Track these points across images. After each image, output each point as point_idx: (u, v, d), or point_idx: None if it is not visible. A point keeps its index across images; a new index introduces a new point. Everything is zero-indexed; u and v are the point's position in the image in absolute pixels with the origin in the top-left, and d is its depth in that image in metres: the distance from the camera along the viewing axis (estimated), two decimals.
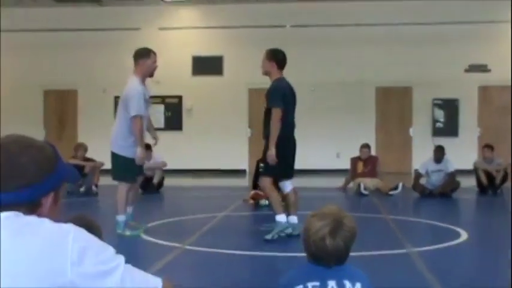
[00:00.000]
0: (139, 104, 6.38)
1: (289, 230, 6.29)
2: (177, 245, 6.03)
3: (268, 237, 6.23)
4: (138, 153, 6.44)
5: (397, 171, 15.81)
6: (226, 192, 11.31)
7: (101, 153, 14.13)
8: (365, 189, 10.81)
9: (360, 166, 11.42)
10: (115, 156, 6.55)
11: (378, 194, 10.82)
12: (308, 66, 16.40)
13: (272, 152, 6.29)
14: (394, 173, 15.37)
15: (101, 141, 16.77)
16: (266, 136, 6.44)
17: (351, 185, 11.46)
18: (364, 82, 16.39)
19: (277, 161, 6.32)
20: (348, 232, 2.17)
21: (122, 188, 6.61)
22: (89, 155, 11.34)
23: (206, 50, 16.75)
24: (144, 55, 6.58)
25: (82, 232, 1.56)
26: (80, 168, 10.83)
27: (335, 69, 16.40)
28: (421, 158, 12.90)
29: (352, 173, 11.53)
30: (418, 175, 10.89)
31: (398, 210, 9.72)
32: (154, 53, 6.62)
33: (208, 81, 16.77)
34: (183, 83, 16.77)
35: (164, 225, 7.20)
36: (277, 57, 6.55)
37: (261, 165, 6.47)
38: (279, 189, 8.06)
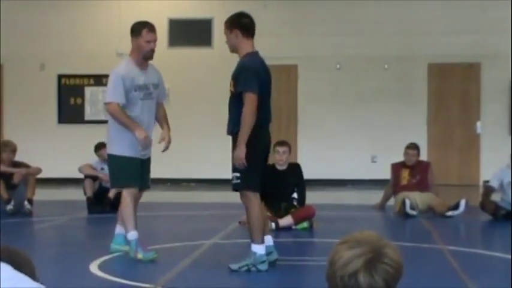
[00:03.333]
0: (116, 89, 7.09)
1: (263, 267, 6.56)
2: (147, 285, 6.04)
3: (235, 267, 6.55)
4: (137, 135, 7.02)
5: (459, 183, 15.75)
6: (217, 211, 11.31)
7: (36, 156, 14.16)
8: (412, 207, 10.78)
9: (405, 175, 11.40)
10: (111, 158, 7.35)
11: (430, 215, 10.78)
12: (330, 33, 16.37)
13: (241, 151, 6.44)
14: (454, 185, 15.30)
15: (37, 139, 16.97)
16: (232, 132, 6.65)
17: (392, 201, 11.44)
18: (412, 56, 16.36)
19: (253, 166, 6.52)
20: (391, 267, 2.12)
21: (126, 196, 7.24)
22: (19, 157, 11.30)
23: (189, 11, 16.72)
24: (134, 32, 7.27)
25: (6, 270, 1.54)
26: (7, 178, 10.78)
27: (369, 38, 16.37)
28: (493, 164, 12.86)
29: (393, 185, 11.50)
30: (488, 189, 10.86)
31: (461, 238, 9.65)
32: (151, 29, 7.27)
33: (191, 54, 16.76)
34: (156, 58, 16.63)
35: (130, 258, 7.18)
36: (239, 22, 6.75)
37: (235, 175, 6.63)
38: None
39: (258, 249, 6.58)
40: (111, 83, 7.13)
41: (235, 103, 6.61)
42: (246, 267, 6.52)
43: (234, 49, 6.78)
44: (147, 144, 7.12)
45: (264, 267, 6.55)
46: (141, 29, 7.23)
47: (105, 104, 7.23)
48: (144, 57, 7.28)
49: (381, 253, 2.13)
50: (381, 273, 2.11)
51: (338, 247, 2.17)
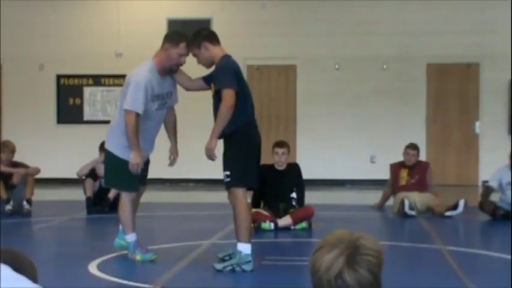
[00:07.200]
0: (137, 96, 6.77)
1: (248, 267, 6.55)
2: (145, 285, 6.05)
3: (219, 267, 6.56)
4: (130, 158, 6.89)
5: (458, 183, 15.76)
6: (216, 211, 11.31)
7: (35, 156, 14.16)
8: (411, 208, 10.79)
9: (404, 175, 11.41)
10: (110, 156, 7.13)
11: (429, 215, 10.80)
12: (328, 33, 16.37)
13: (212, 143, 6.61)
14: (453, 185, 15.31)
15: (36, 139, 16.96)
16: (224, 134, 6.67)
17: (391, 201, 11.44)
18: (411, 57, 16.37)
19: (243, 165, 6.60)
20: (371, 256, 2.13)
21: (124, 199, 7.17)
22: (18, 157, 11.30)
23: (187, 11, 16.73)
24: (171, 40, 6.98)
25: (6, 271, 1.54)
26: (6, 178, 10.78)
27: (368, 38, 16.37)
28: (491, 164, 12.88)
29: (392, 186, 11.51)
30: (487, 189, 10.86)
31: (460, 238, 9.66)
32: (187, 44, 6.94)
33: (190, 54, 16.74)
34: None
35: (128, 259, 7.19)
36: (202, 35, 6.93)
37: (226, 173, 6.69)
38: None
39: (244, 248, 6.57)
40: (133, 89, 6.81)
41: (219, 105, 6.62)
42: (230, 267, 6.52)
43: (210, 62, 6.89)
44: (135, 169, 6.90)
45: (248, 267, 6.54)
46: (180, 40, 6.95)
47: (125, 110, 6.85)
48: (170, 68, 7.04)
49: (357, 246, 2.14)
50: (364, 265, 2.12)
51: (316, 255, 2.17)
